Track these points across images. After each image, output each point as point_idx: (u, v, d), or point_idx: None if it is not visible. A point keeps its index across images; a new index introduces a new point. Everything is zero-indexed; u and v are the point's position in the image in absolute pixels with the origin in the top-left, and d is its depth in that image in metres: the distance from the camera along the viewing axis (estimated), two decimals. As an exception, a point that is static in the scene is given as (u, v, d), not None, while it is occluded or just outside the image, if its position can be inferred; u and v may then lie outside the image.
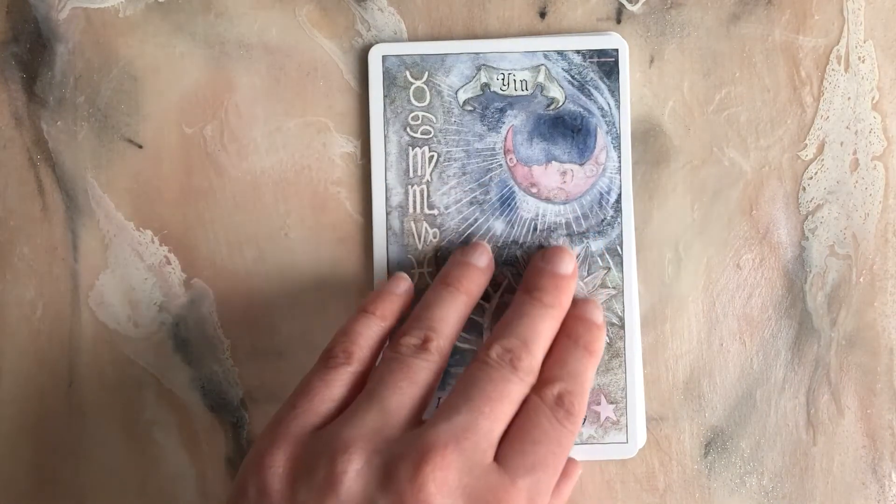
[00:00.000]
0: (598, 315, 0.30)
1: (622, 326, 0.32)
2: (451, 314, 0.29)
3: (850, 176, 0.33)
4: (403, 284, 0.31)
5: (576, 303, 0.30)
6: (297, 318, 0.33)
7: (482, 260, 0.31)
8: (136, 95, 0.33)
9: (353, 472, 0.25)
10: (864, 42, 0.33)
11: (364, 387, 0.28)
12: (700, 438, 0.33)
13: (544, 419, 0.27)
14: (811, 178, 0.33)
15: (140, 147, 0.33)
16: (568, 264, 0.30)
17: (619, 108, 0.32)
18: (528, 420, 0.27)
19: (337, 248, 0.33)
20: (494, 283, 0.32)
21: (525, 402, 0.27)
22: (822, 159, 0.33)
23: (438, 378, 0.28)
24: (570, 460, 0.31)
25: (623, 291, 0.32)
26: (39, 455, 0.33)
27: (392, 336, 0.29)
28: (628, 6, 0.33)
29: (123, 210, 0.33)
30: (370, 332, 0.29)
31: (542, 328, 0.29)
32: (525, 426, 0.27)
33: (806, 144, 0.33)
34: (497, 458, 0.26)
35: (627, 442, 0.32)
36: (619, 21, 0.33)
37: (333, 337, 0.29)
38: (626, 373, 0.32)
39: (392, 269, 0.32)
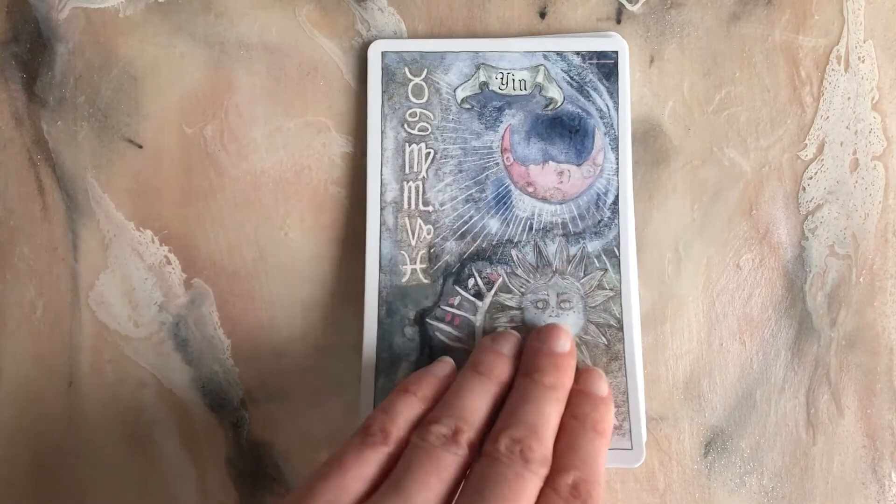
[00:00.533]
0: (603, 387, 0.29)
1: (620, 328, 0.32)
2: (482, 404, 0.28)
3: (849, 176, 0.33)
4: (446, 368, 0.30)
5: (579, 375, 0.30)
6: (297, 318, 0.33)
7: (512, 349, 0.30)
8: (136, 95, 0.33)
9: None
10: (864, 42, 0.33)
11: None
12: (700, 438, 0.33)
13: None
14: (811, 178, 0.33)
15: (140, 147, 0.33)
16: (564, 342, 0.30)
17: (617, 109, 0.32)
18: None
19: (337, 248, 0.33)
20: (488, 282, 0.32)
21: (540, 496, 0.26)
22: (822, 159, 0.33)
23: (464, 472, 0.27)
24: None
25: (621, 293, 0.32)
26: (39, 455, 0.33)
27: (422, 422, 0.28)
28: (628, 6, 0.33)
29: (123, 210, 0.33)
30: (409, 412, 0.28)
31: (548, 412, 0.28)
32: None
33: (806, 144, 0.33)
34: None
35: (633, 448, 0.31)
36: (619, 21, 0.33)
37: (373, 413, 0.28)
38: (626, 376, 0.32)
39: (384, 266, 0.32)
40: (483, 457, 0.27)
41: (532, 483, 0.26)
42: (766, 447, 0.33)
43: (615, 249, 0.32)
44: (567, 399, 0.29)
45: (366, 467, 0.27)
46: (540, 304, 0.32)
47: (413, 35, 0.33)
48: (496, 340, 0.30)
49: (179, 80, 0.33)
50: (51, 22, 0.33)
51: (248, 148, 0.33)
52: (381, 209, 0.32)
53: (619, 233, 0.32)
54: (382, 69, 0.32)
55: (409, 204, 0.32)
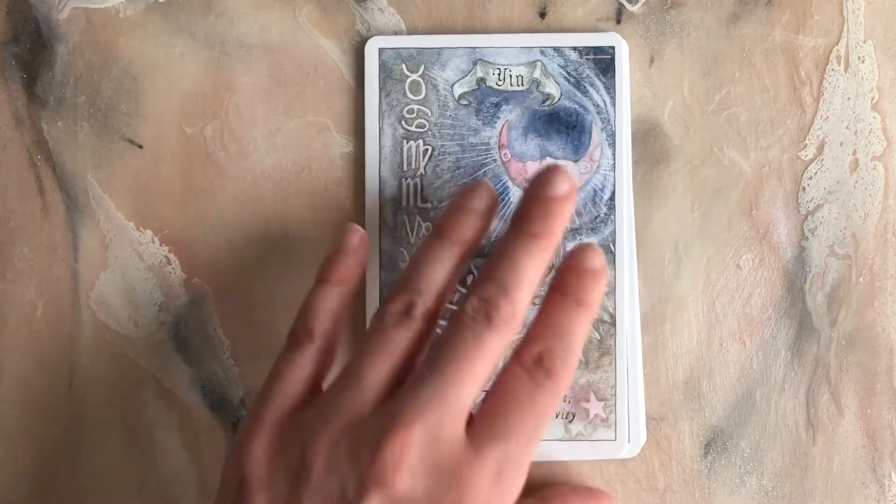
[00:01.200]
0: (594, 260, 0.26)
1: (613, 324, 0.32)
2: (439, 271, 0.26)
3: (849, 176, 0.33)
4: (354, 238, 0.29)
5: (571, 250, 0.27)
6: (297, 318, 0.33)
7: (481, 202, 0.27)
8: (136, 95, 0.33)
9: (322, 458, 0.24)
10: (864, 42, 0.33)
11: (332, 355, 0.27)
12: (700, 438, 0.33)
13: (519, 385, 0.25)
14: (811, 178, 0.33)
15: (140, 147, 0.33)
16: (560, 185, 0.26)
17: (614, 105, 0.32)
18: (502, 384, 0.25)
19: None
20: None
21: (504, 366, 0.26)
22: (822, 159, 0.33)
23: (424, 342, 0.26)
24: (601, 492, 0.31)
25: (615, 289, 0.32)
26: (39, 455, 0.33)
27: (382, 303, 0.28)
28: (628, 6, 0.33)
29: (124, 210, 0.33)
30: (328, 301, 0.28)
31: (525, 264, 0.26)
32: (498, 394, 0.25)
33: (806, 144, 0.33)
34: (468, 426, 0.25)
35: (616, 439, 0.32)
36: (618, 21, 0.33)
37: (295, 318, 0.28)
38: (615, 370, 0.32)
39: (384, 264, 0.32)
40: (449, 319, 0.26)
41: (492, 344, 0.25)
42: (766, 447, 0.33)
43: (611, 245, 0.32)
44: (556, 276, 0.27)
45: (299, 370, 0.27)
46: (536, 300, 0.32)
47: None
48: (464, 195, 0.27)
49: (179, 80, 0.33)
50: (51, 22, 0.33)
51: (248, 148, 0.33)
52: (381, 207, 0.32)
53: (615, 229, 0.32)
54: (380, 66, 0.32)
55: (408, 201, 0.32)
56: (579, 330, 0.26)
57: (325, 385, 0.28)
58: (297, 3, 0.33)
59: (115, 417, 0.33)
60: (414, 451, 0.24)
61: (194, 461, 0.33)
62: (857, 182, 0.33)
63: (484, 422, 0.25)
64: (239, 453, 0.26)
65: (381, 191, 0.32)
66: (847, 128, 0.33)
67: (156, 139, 0.33)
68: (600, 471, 0.33)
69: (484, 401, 0.26)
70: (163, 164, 0.33)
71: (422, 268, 0.27)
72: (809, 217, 0.33)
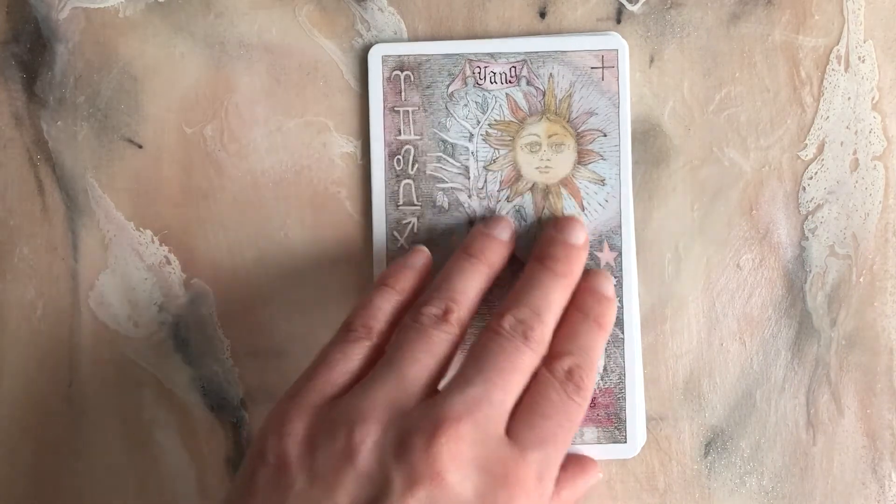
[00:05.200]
0: (609, 287, 0.30)
1: (619, 326, 0.32)
2: (472, 286, 0.29)
3: (850, 176, 0.33)
4: (422, 258, 0.31)
5: (586, 274, 0.30)
6: (297, 318, 0.33)
7: (505, 233, 0.31)
8: (136, 95, 0.33)
9: (370, 442, 0.25)
10: (864, 42, 0.33)
11: (381, 357, 0.28)
12: (700, 438, 0.33)
13: (554, 394, 0.27)
14: (811, 178, 0.33)
15: (140, 147, 0.33)
16: (580, 234, 0.31)
17: (617, 108, 0.32)
18: (539, 394, 0.27)
19: (337, 248, 0.33)
20: None
21: (536, 376, 0.27)
22: (822, 159, 0.33)
23: (456, 349, 0.28)
24: (588, 459, 0.32)
25: (622, 289, 0.32)
26: (39, 455, 0.33)
27: (413, 305, 0.29)
28: (628, 6, 0.33)
29: (123, 210, 0.33)
30: (388, 305, 0.29)
31: (554, 298, 0.29)
32: (535, 400, 0.27)
33: (806, 144, 0.33)
34: (508, 430, 0.26)
35: (626, 442, 0.32)
36: (619, 21, 0.33)
37: (353, 310, 0.29)
38: (623, 371, 0.32)
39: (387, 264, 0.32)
40: (486, 331, 0.28)
41: (529, 359, 0.27)
42: (766, 447, 0.33)
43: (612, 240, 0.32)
44: (573, 293, 0.30)
45: (350, 361, 0.28)
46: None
47: (413, 35, 0.33)
48: (489, 225, 0.31)
49: (179, 80, 0.33)
50: (51, 22, 0.33)
51: (248, 148, 0.33)
52: (385, 208, 0.32)
53: (620, 231, 0.32)
54: (383, 73, 0.32)
55: (411, 203, 0.32)
56: (599, 349, 0.29)
57: None
58: (297, 3, 0.33)
59: (115, 417, 0.33)
60: (465, 447, 0.25)
61: (194, 461, 0.33)
62: (857, 182, 0.33)
63: (524, 425, 0.26)
64: (278, 430, 0.26)
65: (385, 193, 0.32)
66: (847, 128, 0.33)
67: (156, 139, 0.33)
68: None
69: (520, 407, 0.27)
70: (163, 164, 0.33)
71: (455, 280, 0.29)
72: (809, 217, 0.33)
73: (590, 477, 0.31)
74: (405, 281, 0.30)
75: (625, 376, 0.32)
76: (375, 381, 0.27)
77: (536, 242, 0.31)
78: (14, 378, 0.33)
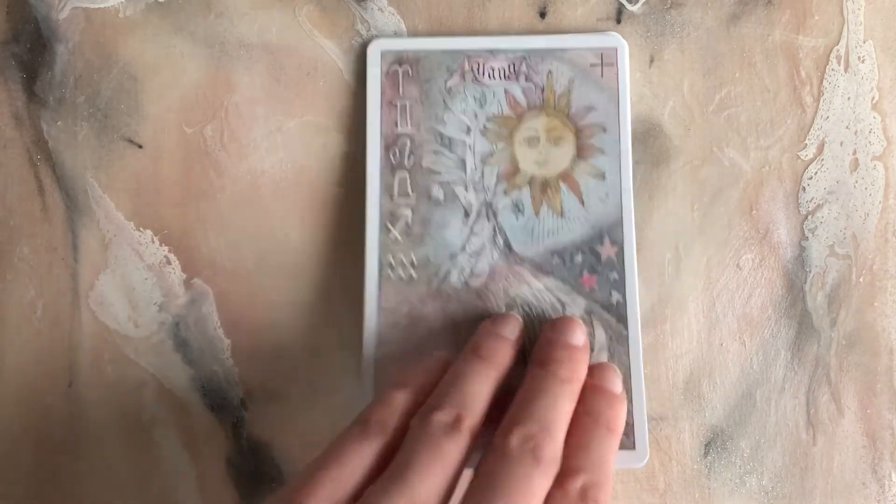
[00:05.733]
0: (617, 383, 0.29)
1: (622, 322, 0.32)
2: (484, 390, 0.28)
3: (849, 176, 0.33)
4: (440, 362, 0.30)
5: (592, 370, 0.29)
6: (297, 318, 0.33)
7: (514, 332, 0.30)
8: (136, 95, 0.33)
9: None
10: (864, 42, 0.33)
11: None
12: (700, 438, 0.33)
13: None
14: (811, 178, 0.33)
15: (140, 147, 0.33)
16: (580, 335, 0.30)
17: (617, 104, 0.32)
18: None
19: (337, 248, 0.33)
20: None
21: (549, 497, 0.26)
22: (822, 159, 0.33)
23: (467, 458, 0.27)
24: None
25: (626, 292, 0.32)
26: (39, 455, 0.33)
27: (422, 408, 0.28)
28: (628, 6, 0.33)
29: (123, 210, 0.33)
30: (405, 404, 0.28)
31: (561, 407, 0.27)
32: None
33: (806, 144, 0.33)
34: None
35: (636, 448, 0.31)
36: (619, 21, 0.33)
37: (370, 404, 0.28)
38: (631, 377, 0.32)
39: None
40: (493, 451, 0.26)
41: (541, 483, 0.26)
42: (766, 447, 0.33)
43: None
44: (582, 395, 0.28)
45: (363, 458, 0.26)
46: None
47: (413, 35, 0.33)
48: (497, 323, 0.30)
49: (179, 80, 0.33)
50: (51, 22, 0.33)
51: (248, 148, 0.33)
52: (380, 206, 0.32)
53: (620, 225, 0.32)
54: (381, 68, 0.32)
55: (406, 195, 0.32)
56: (613, 456, 0.27)
57: None
58: (297, 3, 0.33)
59: (115, 417, 0.33)
60: None
61: (194, 461, 0.33)
62: (857, 182, 0.33)
63: None
64: None
65: (381, 191, 0.32)
66: (847, 128, 0.33)
67: (156, 139, 0.33)
68: None
69: None
70: (163, 164, 0.33)
71: (465, 384, 0.28)
72: (809, 217, 0.33)
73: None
74: (423, 380, 0.29)
75: (630, 377, 0.32)
76: (385, 497, 0.25)
77: (535, 347, 0.30)
78: (14, 378, 0.33)
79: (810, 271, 0.33)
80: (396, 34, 0.33)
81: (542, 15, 0.33)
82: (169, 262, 0.33)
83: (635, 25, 0.33)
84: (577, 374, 0.29)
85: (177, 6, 0.33)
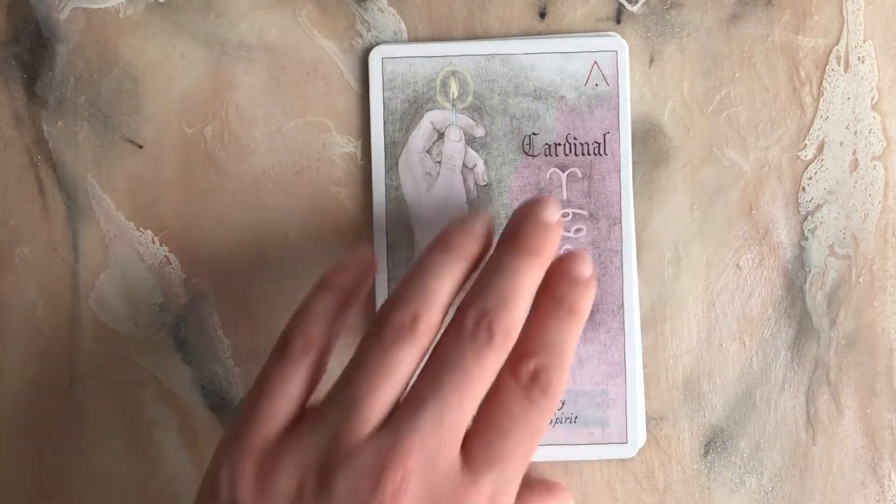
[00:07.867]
0: (586, 268, 0.27)
1: (619, 321, 0.32)
2: (447, 284, 0.26)
3: (849, 176, 0.33)
4: (365, 256, 0.28)
5: (560, 257, 0.27)
6: (297, 318, 0.33)
7: (484, 227, 0.27)
8: (136, 95, 0.33)
9: (320, 486, 0.24)
10: (864, 42, 0.33)
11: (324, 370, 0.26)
12: (700, 438, 0.33)
13: (515, 403, 0.25)
14: (811, 178, 0.33)
15: (140, 147, 0.33)
16: (553, 212, 0.27)
17: (617, 109, 0.32)
18: (498, 405, 0.25)
19: (337, 248, 0.33)
20: None
21: (498, 379, 0.25)
22: (822, 159, 0.33)
23: (424, 354, 0.25)
24: (558, 485, 0.31)
25: (623, 285, 0.32)
26: (39, 455, 0.33)
27: (382, 305, 0.26)
28: (628, 6, 0.33)
29: (124, 210, 0.33)
30: (327, 310, 0.27)
31: (523, 280, 0.25)
32: (494, 412, 0.25)
33: (805, 144, 0.33)
34: (463, 447, 0.25)
35: (627, 442, 0.32)
36: (618, 21, 0.33)
37: (289, 321, 0.27)
38: (624, 372, 0.32)
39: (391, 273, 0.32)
40: (448, 331, 0.25)
41: (492, 360, 0.25)
42: (765, 447, 0.33)
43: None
44: (545, 279, 0.26)
45: (291, 384, 0.26)
46: None
47: (413, 35, 0.33)
48: (467, 219, 0.27)
49: (179, 80, 0.33)
50: (51, 22, 0.33)
51: (248, 148, 0.33)
52: (385, 206, 0.32)
53: (621, 232, 0.32)
54: (383, 74, 0.32)
55: (413, 204, 0.33)
56: (572, 340, 0.26)
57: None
58: (297, 4, 0.33)
59: (115, 417, 0.33)
60: (413, 482, 0.23)
61: (194, 461, 0.33)
62: (857, 182, 0.33)
63: (479, 444, 0.25)
64: (229, 474, 0.25)
65: (386, 194, 0.32)
66: (847, 128, 0.33)
67: (156, 139, 0.33)
68: (600, 471, 0.33)
69: (478, 419, 0.25)
70: (163, 164, 0.33)
71: (428, 279, 0.26)
72: (809, 217, 0.33)
73: (559, 502, 0.30)
74: (345, 281, 0.27)
75: (626, 374, 0.32)
76: (327, 415, 0.25)
77: (506, 224, 0.28)
78: (14, 378, 0.33)
79: (810, 271, 0.33)
80: (396, 34, 0.33)
81: (542, 15, 0.33)
82: (169, 262, 0.33)
83: (635, 26, 0.33)
84: (545, 247, 0.26)
85: (177, 6, 0.33)
